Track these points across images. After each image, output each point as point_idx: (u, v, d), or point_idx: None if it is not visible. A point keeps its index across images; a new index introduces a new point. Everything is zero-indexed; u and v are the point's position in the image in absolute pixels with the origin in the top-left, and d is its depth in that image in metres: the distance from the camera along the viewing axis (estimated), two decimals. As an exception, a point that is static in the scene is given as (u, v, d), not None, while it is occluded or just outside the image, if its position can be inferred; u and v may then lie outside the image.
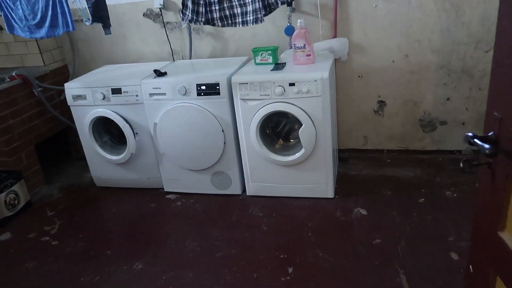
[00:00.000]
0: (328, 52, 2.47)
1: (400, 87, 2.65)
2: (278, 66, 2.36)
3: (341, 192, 2.47)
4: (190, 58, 2.87)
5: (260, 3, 1.98)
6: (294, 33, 2.29)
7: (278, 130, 2.61)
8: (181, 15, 2.15)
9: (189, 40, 2.79)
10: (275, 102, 2.23)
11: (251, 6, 2.02)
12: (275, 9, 2.13)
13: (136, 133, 2.57)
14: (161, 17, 2.83)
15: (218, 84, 2.29)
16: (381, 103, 2.74)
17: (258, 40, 2.73)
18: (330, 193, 2.42)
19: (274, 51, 2.43)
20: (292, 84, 2.17)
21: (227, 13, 2.07)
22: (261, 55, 2.45)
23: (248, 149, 2.40)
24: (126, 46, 3.03)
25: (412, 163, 2.73)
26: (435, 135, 2.75)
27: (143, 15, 2.89)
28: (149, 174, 2.70)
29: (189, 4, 2.08)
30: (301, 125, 2.24)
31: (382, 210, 2.26)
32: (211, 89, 2.30)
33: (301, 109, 2.20)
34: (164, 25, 2.85)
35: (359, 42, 2.58)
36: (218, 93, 2.30)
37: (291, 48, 2.62)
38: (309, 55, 2.33)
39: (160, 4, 2.74)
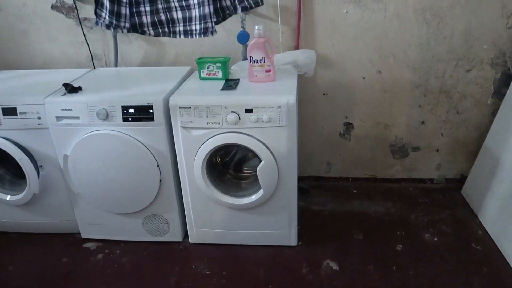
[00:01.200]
0: (291, 66, 2.01)
1: (370, 107, 2.27)
2: (230, 83, 1.86)
3: (305, 236, 2.04)
4: (116, 66, 2.26)
5: (211, 6, 1.45)
6: (251, 43, 1.80)
7: (228, 159, 2.12)
8: (96, 16, 1.56)
9: (114, 43, 2.18)
10: (227, 133, 1.73)
11: (197, 10, 1.49)
12: (230, 16, 1.59)
13: (41, 166, 1.93)
14: (76, 11, 2.19)
15: (151, 107, 1.73)
16: (348, 125, 2.34)
17: (203, 46, 2.20)
18: (293, 240, 1.97)
19: (225, 64, 1.91)
20: (249, 111, 1.69)
21: (162, 17, 1.51)
22: (207, 68, 1.92)
23: (191, 188, 1.88)
24: (29, 47, 2.34)
25: (381, 195, 2.38)
26: (406, 162, 2.42)
27: (52, 7, 2.22)
28: (60, 216, 2.08)
29: (106, 2, 1.48)
30: (258, 160, 1.77)
31: (355, 264, 1.86)
32: (142, 113, 1.74)
33: (260, 141, 1.73)
34: (80, 22, 2.21)
35: (325, 54, 2.15)
36: (152, 119, 1.75)
37: (244, 59, 2.13)
38: (269, 70, 1.86)
39: (74, -5, 2.11)
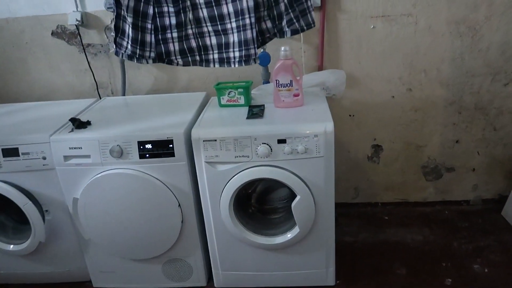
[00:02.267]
0: (319, 89, 1.84)
1: (400, 128, 2.11)
2: (255, 111, 1.69)
3: (342, 274, 1.84)
4: (124, 94, 2.08)
5: (254, 31, 1.25)
6: (277, 65, 1.63)
7: (251, 190, 1.93)
8: (114, 46, 1.36)
9: (122, 70, 2.01)
10: (257, 166, 1.55)
11: (236, 35, 1.29)
12: (270, 40, 1.41)
13: (46, 211, 1.73)
14: (78, 37, 2.01)
15: (171, 141, 1.55)
16: (377, 148, 2.18)
17: (218, 70, 2.03)
18: (331, 280, 1.78)
19: (247, 89, 1.74)
20: (282, 141, 1.51)
21: (193, 44, 1.32)
22: (228, 94, 1.75)
23: (216, 228, 1.69)
24: (27, 77, 2.15)
25: (415, 220, 2.20)
26: (440, 183, 2.25)
27: (52, 34, 2.05)
28: (69, 265, 1.86)
29: (129, 29, 1.29)
30: (293, 195, 1.59)
31: (404, 304, 1.68)
32: (161, 149, 1.56)
33: (295, 174, 1.54)
34: (84, 49, 2.04)
35: (351, 73, 2.00)
36: (172, 154, 1.56)
37: (265, 82, 1.97)
38: (297, 95, 1.69)
39: (77, 20, 1.93)
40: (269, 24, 1.30)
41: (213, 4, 1.25)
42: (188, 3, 1.22)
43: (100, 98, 2.05)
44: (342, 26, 1.91)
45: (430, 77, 1.98)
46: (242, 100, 1.76)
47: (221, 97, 1.77)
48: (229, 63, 1.31)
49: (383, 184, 2.27)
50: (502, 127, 2.08)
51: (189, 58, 1.32)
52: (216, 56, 1.31)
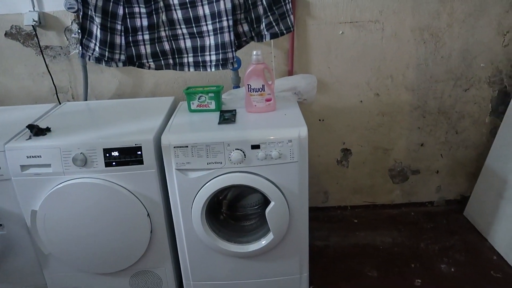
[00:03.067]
0: (290, 93, 1.83)
1: (368, 132, 2.14)
2: (227, 116, 1.64)
3: (315, 279, 1.83)
4: (86, 99, 1.97)
5: (232, 34, 1.20)
6: (249, 70, 1.60)
7: (221, 197, 1.89)
8: (80, 48, 1.26)
9: (84, 73, 1.90)
10: (230, 173, 1.51)
11: (212, 38, 1.23)
12: (247, 43, 1.36)
13: (0, 225, 1.60)
14: (35, 38, 1.89)
15: (139, 148, 1.48)
16: (346, 152, 2.20)
17: (186, 74, 1.98)
18: (304, 286, 1.76)
19: (218, 94, 1.70)
20: (255, 147, 1.48)
21: (166, 47, 1.25)
22: (198, 98, 1.70)
23: (188, 237, 1.62)
24: (-22, 80, 2.00)
25: (383, 223, 2.24)
26: (406, 186, 2.30)
27: (5, 34, 1.91)
28: (27, 281, 1.73)
29: (97, 30, 1.19)
30: (265, 201, 1.56)
31: (377, 307, 1.69)
32: (128, 156, 1.48)
33: (269, 180, 1.52)
34: (42, 51, 1.91)
35: (321, 78, 2.00)
36: (141, 162, 1.49)
37: (235, 87, 1.93)
38: (270, 99, 1.66)
39: (34, 20, 1.81)
40: (245, 27, 1.26)
41: (188, 5, 1.20)
42: (161, 4, 1.15)
43: (60, 103, 1.94)
44: (311, 31, 1.91)
45: (396, 82, 2.03)
46: (213, 105, 1.71)
47: (191, 102, 1.72)
48: (205, 67, 1.25)
49: (352, 188, 2.29)
50: (463, 130, 2.16)
51: (162, 61, 1.25)
52: (191, 59, 1.25)
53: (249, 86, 1.63)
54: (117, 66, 1.24)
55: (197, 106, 1.73)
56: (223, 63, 1.24)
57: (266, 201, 1.60)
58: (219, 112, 1.70)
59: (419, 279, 1.81)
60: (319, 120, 2.11)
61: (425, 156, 2.22)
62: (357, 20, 1.88)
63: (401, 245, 2.05)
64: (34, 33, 1.87)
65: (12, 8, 1.85)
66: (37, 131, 1.55)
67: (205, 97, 1.70)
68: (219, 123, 1.59)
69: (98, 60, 1.21)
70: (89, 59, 1.24)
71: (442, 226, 2.19)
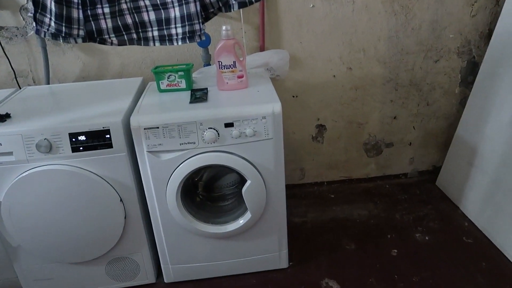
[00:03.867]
0: (263, 69, 1.79)
1: (342, 107, 2.13)
2: (198, 94, 1.59)
3: (294, 255, 1.84)
4: (48, 83, 1.87)
5: (198, 3, 1.12)
6: (219, 46, 1.54)
7: (197, 178, 1.85)
8: (34, 24, 1.15)
9: (44, 55, 1.79)
10: (204, 153, 1.47)
11: (178, 9, 1.14)
12: (214, 15, 1.29)
13: (-37, 219, 1.51)
14: (-12, 19, 1.76)
15: (108, 131, 1.41)
16: (321, 128, 2.19)
17: (154, 52, 1.90)
18: (284, 263, 1.77)
19: (188, 72, 1.64)
20: (229, 125, 1.44)
21: (128, 20, 1.16)
22: (168, 77, 1.64)
23: (164, 221, 1.59)
24: None
25: (359, 196, 2.26)
26: (380, 159, 2.33)
27: (-45, 15, 1.77)
28: (-4, 276, 1.66)
29: (51, 4, 1.09)
30: (241, 180, 1.53)
31: (356, 278, 1.70)
32: (96, 140, 1.42)
33: (245, 159, 1.49)
34: (-4, 32, 1.79)
35: (293, 53, 1.97)
36: (110, 145, 1.43)
37: (206, 64, 1.88)
38: (242, 76, 1.62)
39: (-15, -1, 1.68)
40: None
41: None
42: None
43: (20, 88, 1.83)
44: (282, 5, 1.86)
45: (368, 56, 2.02)
46: (183, 84, 1.66)
47: (160, 82, 1.65)
48: (171, 40, 1.18)
49: (328, 163, 2.30)
50: (434, 101, 2.19)
51: (125, 36, 1.17)
52: (156, 33, 1.17)
53: (220, 63, 1.58)
54: (76, 42, 1.15)
55: (166, 85, 1.66)
56: (190, 36, 1.16)
57: (242, 180, 1.57)
58: (190, 91, 1.64)
59: (395, 249, 1.85)
60: (293, 96, 2.08)
61: (398, 128, 2.24)
62: (328, -8, 1.84)
63: (377, 217, 2.08)
64: (-14, 13, 1.74)
65: (-41, -14, 1.71)
66: (-4, 117, 1.45)
67: (175, 76, 1.64)
68: (191, 102, 1.54)
69: (55, 36, 1.12)
70: (44, 36, 1.15)
71: (415, 197, 2.23)
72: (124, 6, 1.10)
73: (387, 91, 2.12)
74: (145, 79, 1.86)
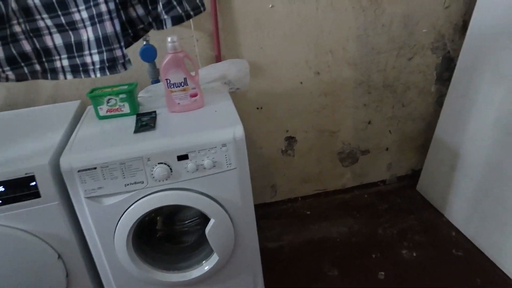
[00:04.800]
0: (220, 83, 1.55)
1: (312, 115, 1.93)
2: (145, 120, 1.34)
3: (272, 287, 1.64)
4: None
5: (116, 21, 0.83)
6: (165, 61, 1.29)
7: (154, 214, 1.60)
8: None
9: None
10: (156, 192, 1.22)
11: (91, 29, 0.83)
12: (146, 32, 1.01)
13: None
14: None
15: (32, 178, 1.14)
16: (290, 140, 1.98)
17: (92, 70, 1.62)
18: (261, 302, 1.56)
19: (132, 94, 1.38)
20: (183, 157, 1.20)
21: (26, 47, 0.83)
22: (107, 102, 1.37)
23: (115, 274, 1.33)
24: None
25: (337, 210, 2.08)
26: (357, 168, 2.15)
27: None
28: None
29: None
30: (206, 218, 1.30)
31: (343, 312, 1.52)
32: (19, 190, 1.14)
33: (206, 195, 1.26)
34: None
35: (254, 61, 1.74)
36: (37, 195, 1.16)
37: (154, 81, 1.62)
38: (195, 94, 1.38)
39: None
40: (140, 10, 0.91)
41: None
42: None
43: None
44: (237, 7, 1.63)
45: (337, 58, 1.82)
46: (126, 108, 1.40)
47: (98, 107, 1.39)
48: (86, 71, 0.90)
49: (300, 177, 2.10)
50: (410, 102, 2.02)
51: (25, 68, 0.88)
52: (65, 62, 0.89)
53: (168, 81, 1.34)
54: None
55: (106, 111, 1.40)
56: (110, 65, 0.88)
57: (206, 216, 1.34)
58: (135, 116, 1.39)
59: (382, 271, 1.68)
60: (257, 108, 1.86)
61: (373, 134, 2.06)
62: (288, -10, 1.62)
63: (358, 233, 1.90)
64: None
65: None
66: None
67: (116, 100, 1.37)
68: (136, 131, 1.28)
69: None
70: None
71: (396, 206, 2.07)
72: (17, 28, 0.81)
73: (359, 94, 1.93)
74: (84, 102, 1.59)
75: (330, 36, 1.76)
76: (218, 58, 1.67)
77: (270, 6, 1.66)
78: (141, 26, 0.91)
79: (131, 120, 1.36)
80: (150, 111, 1.41)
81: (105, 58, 0.84)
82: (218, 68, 1.54)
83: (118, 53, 0.85)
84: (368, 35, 1.80)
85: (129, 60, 0.88)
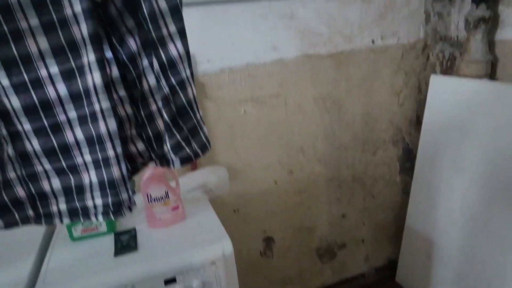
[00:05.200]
0: (200, 192, 1.52)
1: (288, 214, 1.92)
2: (124, 241, 1.25)
3: None
4: None
5: (123, 165, 0.75)
6: (146, 176, 1.26)
7: None
8: None
9: None
10: (141, 324, 1.10)
11: (94, 172, 0.77)
12: (144, 166, 0.98)
13: None
14: None
15: (-3, 323, 0.99)
16: (268, 240, 1.93)
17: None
18: None
19: (108, 212, 1.31)
20: (170, 281, 1.11)
21: (19, 192, 0.76)
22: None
23: None
24: None
25: (321, 311, 1.99)
26: (335, 263, 2.11)
27: None
28: None
29: None
30: None
31: None
32: None
33: (195, 320, 1.15)
34: None
35: (229, 165, 1.75)
36: None
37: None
38: (177, 207, 1.33)
39: None
40: (140, 146, 0.90)
41: (49, 131, 0.78)
42: (4, 131, 0.75)
43: None
44: (211, 114, 1.67)
45: (308, 156, 1.88)
46: (103, 227, 1.31)
47: (72, 228, 1.29)
48: (86, 215, 0.83)
49: (281, 279, 2.02)
50: (378, 193, 2.09)
51: (16, 215, 0.81)
52: (63, 206, 0.82)
53: (149, 196, 1.29)
54: None
55: (81, 231, 1.30)
56: (115, 210, 0.84)
57: None
58: (113, 235, 1.30)
59: None
60: (234, 211, 1.83)
61: (348, 227, 2.08)
62: (258, 96, 1.70)
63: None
64: None
65: None
66: None
67: (91, 219, 1.29)
68: (116, 254, 1.19)
69: None
70: None
71: (379, 300, 2.03)
72: (12, 174, 0.76)
73: (332, 190, 1.98)
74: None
75: (300, 136, 1.83)
76: (194, 165, 1.66)
77: (243, 112, 1.72)
78: (141, 160, 0.88)
79: (109, 240, 1.26)
80: (129, 228, 1.33)
81: (110, 202, 0.80)
82: (198, 176, 1.52)
83: (125, 196, 0.81)
84: (334, 134, 1.90)
85: (134, 202, 0.84)
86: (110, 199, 0.81)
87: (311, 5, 1.63)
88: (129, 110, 0.85)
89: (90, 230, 1.30)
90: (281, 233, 1.94)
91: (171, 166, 0.87)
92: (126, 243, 1.23)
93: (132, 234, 1.29)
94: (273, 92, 1.72)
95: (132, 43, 0.81)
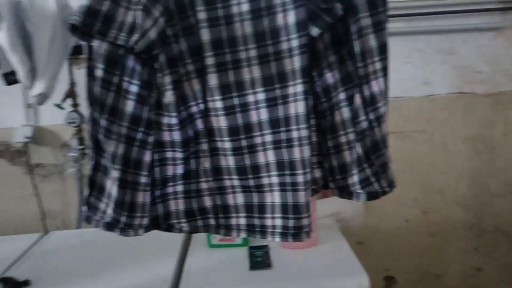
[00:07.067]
0: (333, 221, 1.50)
1: (415, 256, 1.81)
2: (259, 256, 1.29)
3: None
4: (79, 226, 1.63)
5: (309, 191, 0.85)
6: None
7: None
8: (88, 209, 0.85)
9: (80, 197, 1.59)
10: None
11: (279, 194, 0.88)
12: (316, 192, 1.03)
13: None
14: (27, 155, 1.60)
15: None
16: (390, 280, 1.83)
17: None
18: None
19: (246, 226, 1.38)
20: (303, 307, 1.12)
21: (207, 203, 0.84)
22: (221, 231, 1.37)
23: None
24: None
25: None
26: (462, 319, 1.91)
27: (-9, 151, 1.63)
28: None
29: (111, 187, 0.85)
30: None
31: None
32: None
33: None
34: (32, 170, 1.61)
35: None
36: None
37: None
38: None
39: (27, 137, 1.53)
40: (317, 173, 0.93)
41: (245, 151, 0.85)
42: (205, 147, 0.86)
43: (46, 233, 1.58)
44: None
45: (446, 198, 1.75)
46: (239, 239, 1.38)
47: (211, 235, 1.38)
48: (263, 233, 0.89)
49: (398, 323, 1.89)
50: (527, 251, 1.84)
51: (199, 222, 0.91)
52: (242, 221, 0.90)
53: (286, 217, 1.32)
54: (137, 234, 0.89)
55: (219, 240, 1.39)
56: (295, 233, 0.87)
57: None
58: (247, 248, 1.36)
59: None
60: (357, 243, 1.77)
61: (483, 282, 1.86)
62: (402, 130, 1.64)
63: None
64: (24, 149, 1.58)
65: (2, 122, 1.58)
66: (14, 285, 1.18)
67: (230, 230, 1.37)
68: (251, 268, 1.24)
69: (109, 226, 0.85)
70: (96, 226, 0.87)
71: None
72: (204, 185, 0.85)
73: (470, 238, 1.80)
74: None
75: (441, 176, 1.74)
76: (326, 193, 1.66)
77: (381, 143, 1.67)
78: (314, 187, 0.92)
79: (242, 252, 1.32)
80: (262, 244, 1.38)
81: (289, 225, 0.85)
82: (331, 204, 1.52)
83: (305, 222, 0.85)
84: (482, 178, 1.73)
85: (311, 229, 0.88)
86: (290, 222, 0.86)
87: (473, 42, 1.53)
88: (314, 139, 0.90)
89: (228, 240, 1.38)
90: (405, 274, 1.82)
91: (355, 199, 0.90)
92: (260, 259, 1.28)
93: (265, 251, 1.33)
94: (418, 127, 1.65)
95: (329, 76, 0.86)
